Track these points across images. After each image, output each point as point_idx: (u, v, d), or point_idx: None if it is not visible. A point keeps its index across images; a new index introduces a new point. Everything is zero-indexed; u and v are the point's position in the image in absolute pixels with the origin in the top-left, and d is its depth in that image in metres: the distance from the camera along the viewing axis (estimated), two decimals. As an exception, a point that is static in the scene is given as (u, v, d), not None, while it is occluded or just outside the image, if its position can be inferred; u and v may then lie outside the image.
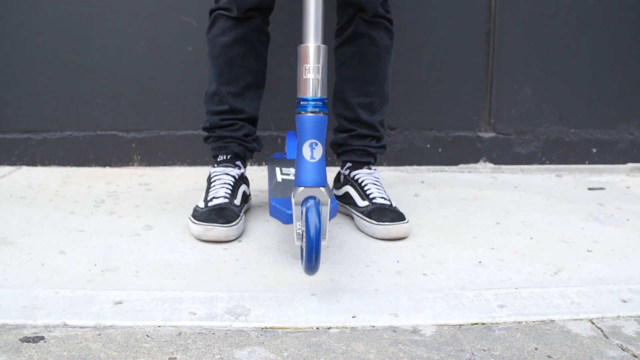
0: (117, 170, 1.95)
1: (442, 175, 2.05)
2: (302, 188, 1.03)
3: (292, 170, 1.36)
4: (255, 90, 1.49)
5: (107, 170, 1.95)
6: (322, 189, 1.03)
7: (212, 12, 1.46)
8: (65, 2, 1.90)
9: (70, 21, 1.91)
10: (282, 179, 1.31)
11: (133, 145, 1.98)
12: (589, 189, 1.96)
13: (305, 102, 1.07)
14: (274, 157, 1.53)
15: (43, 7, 1.89)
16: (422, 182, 1.94)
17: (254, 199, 1.62)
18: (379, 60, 1.48)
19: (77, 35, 1.92)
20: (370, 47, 1.47)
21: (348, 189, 1.50)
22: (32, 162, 1.96)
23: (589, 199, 1.83)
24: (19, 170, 1.91)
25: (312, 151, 1.05)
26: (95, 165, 1.98)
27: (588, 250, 1.36)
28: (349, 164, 1.53)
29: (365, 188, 1.47)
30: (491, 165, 2.13)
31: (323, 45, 1.07)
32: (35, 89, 1.94)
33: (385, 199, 1.45)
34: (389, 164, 2.08)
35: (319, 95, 1.07)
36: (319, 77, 1.06)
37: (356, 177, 1.51)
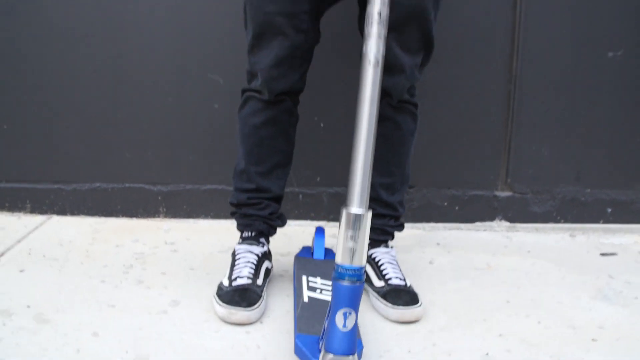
0: (144, 222, 2.07)
1: (458, 235, 2.14)
2: (331, 355, 1.06)
3: (318, 280, 1.45)
4: (282, 170, 1.59)
5: (134, 222, 2.06)
6: (350, 357, 1.07)
7: (243, 91, 1.56)
8: (95, 60, 2.01)
9: (101, 78, 2.02)
10: (309, 298, 1.37)
11: (159, 198, 2.09)
12: (602, 254, 2.04)
13: (344, 270, 1.07)
14: (301, 255, 1.63)
15: (74, 66, 2.01)
16: (438, 244, 2.04)
17: (275, 265, 1.72)
18: (402, 144, 1.58)
19: (107, 91, 2.03)
20: (394, 130, 1.56)
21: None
22: (62, 211, 2.09)
23: (600, 268, 1.90)
24: (49, 221, 2.04)
25: (345, 320, 1.06)
26: (123, 216, 2.10)
27: (593, 340, 1.44)
28: (366, 241, 1.63)
29: (382, 268, 1.57)
30: (507, 223, 2.21)
31: (368, 213, 1.07)
32: (66, 142, 2.06)
33: (400, 279, 1.55)
34: (407, 221, 2.15)
35: (357, 265, 1.07)
36: (360, 245, 1.07)
37: (373, 256, 1.60)
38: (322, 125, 2.08)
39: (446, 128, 2.14)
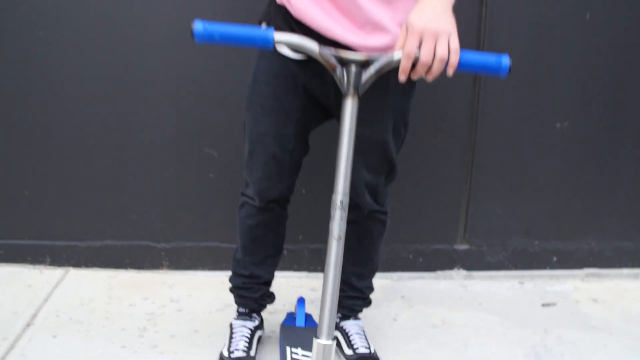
0: (150, 276, 2.48)
1: (421, 285, 2.57)
2: None
3: (300, 352, 1.87)
4: (272, 259, 1.98)
5: (142, 276, 2.48)
6: None
7: (242, 194, 1.94)
8: (106, 138, 2.39)
9: (111, 152, 2.41)
10: None
11: (162, 253, 2.50)
12: (543, 304, 2.49)
13: None
14: (285, 323, 2.04)
15: (88, 141, 2.39)
16: (402, 297, 2.47)
17: (265, 323, 2.13)
18: (371, 244, 1.97)
19: (115, 166, 2.42)
20: (364, 233, 1.94)
21: (337, 334, 2.03)
22: (77, 265, 2.49)
23: (539, 321, 2.33)
24: (68, 275, 2.44)
25: None
26: (131, 269, 2.51)
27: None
28: (339, 314, 2.06)
29: (351, 338, 2.00)
30: (464, 272, 2.65)
31: (333, 342, 1.37)
32: (81, 205, 2.45)
33: (365, 347, 1.97)
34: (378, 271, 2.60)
35: None
36: None
37: (344, 327, 2.03)
38: (303, 192, 2.48)
39: (413, 190, 2.55)
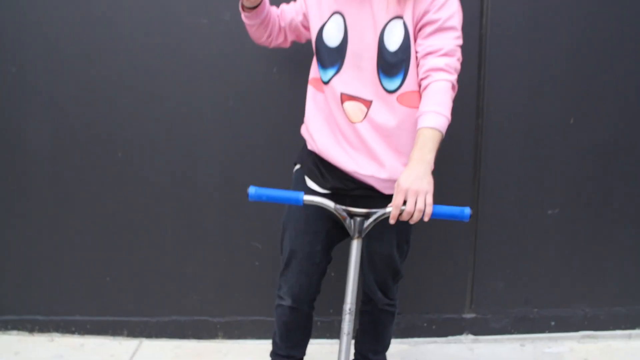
0: (208, 345, 3.10)
1: (434, 349, 3.12)
2: None
3: None
4: (303, 341, 2.52)
5: (201, 346, 3.09)
6: None
7: (277, 296, 2.51)
8: (170, 236, 3.04)
9: (174, 247, 3.05)
10: None
11: (218, 326, 3.13)
12: (537, 366, 3.01)
13: None
14: None
15: (157, 241, 3.04)
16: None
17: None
18: (383, 329, 2.50)
19: (178, 256, 3.06)
20: (377, 324, 2.47)
21: (356, 395, 2.61)
22: (149, 336, 3.14)
23: (531, 383, 2.88)
24: (142, 346, 3.09)
25: None
26: (192, 339, 3.15)
27: None
28: (358, 377, 2.63)
29: (367, 401, 2.58)
30: (472, 336, 3.20)
31: None
32: (151, 288, 3.09)
33: (380, 406, 2.55)
34: (396, 337, 3.16)
35: None
36: None
37: (362, 391, 2.61)
38: (332, 274, 3.07)
39: (425, 270, 3.09)
